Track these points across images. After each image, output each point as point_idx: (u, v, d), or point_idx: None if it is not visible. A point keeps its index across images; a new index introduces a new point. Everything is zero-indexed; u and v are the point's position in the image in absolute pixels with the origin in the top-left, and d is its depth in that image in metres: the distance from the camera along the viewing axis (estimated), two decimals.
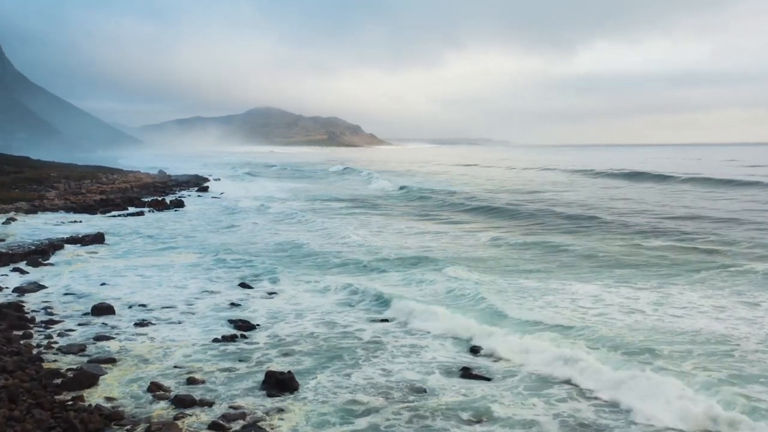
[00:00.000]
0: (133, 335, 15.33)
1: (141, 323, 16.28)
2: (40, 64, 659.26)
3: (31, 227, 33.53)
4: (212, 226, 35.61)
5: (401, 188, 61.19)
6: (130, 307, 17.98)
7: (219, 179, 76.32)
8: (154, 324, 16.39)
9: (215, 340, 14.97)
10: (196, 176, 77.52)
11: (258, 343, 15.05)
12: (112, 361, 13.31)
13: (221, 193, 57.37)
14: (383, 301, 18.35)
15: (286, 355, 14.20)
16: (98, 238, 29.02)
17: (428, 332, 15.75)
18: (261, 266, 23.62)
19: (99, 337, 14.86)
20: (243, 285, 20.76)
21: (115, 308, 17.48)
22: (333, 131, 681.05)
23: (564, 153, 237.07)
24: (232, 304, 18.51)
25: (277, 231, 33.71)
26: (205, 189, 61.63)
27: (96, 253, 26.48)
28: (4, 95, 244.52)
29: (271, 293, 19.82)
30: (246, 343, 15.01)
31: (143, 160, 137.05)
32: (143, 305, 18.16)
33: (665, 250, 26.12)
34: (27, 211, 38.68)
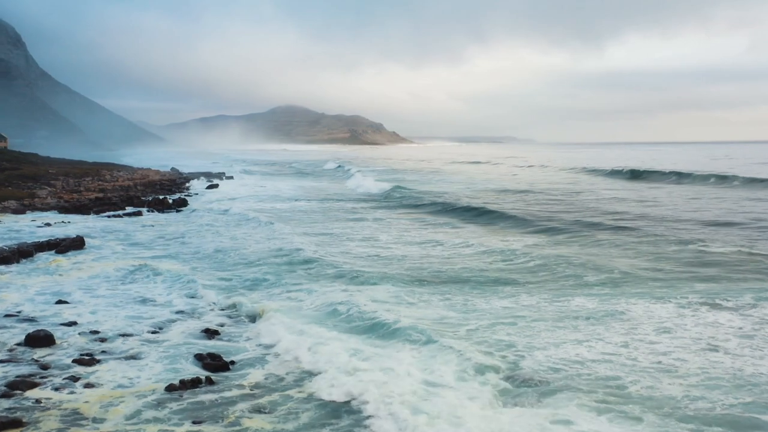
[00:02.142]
0: (65, 379, 11.70)
1: (84, 359, 12.67)
2: (63, 62, 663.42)
3: (11, 229, 30.37)
4: (206, 230, 32.09)
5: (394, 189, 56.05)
6: (80, 334, 14.43)
7: (232, 177, 73.18)
8: (102, 360, 12.78)
9: (170, 388, 11.29)
10: (209, 174, 74.45)
11: (230, 390, 11.39)
12: (15, 425, 9.65)
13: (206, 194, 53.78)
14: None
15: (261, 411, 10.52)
16: (77, 243, 25.62)
17: None
18: (249, 280, 19.99)
19: (14, 384, 11.21)
20: (227, 308, 17.12)
21: (59, 336, 13.92)
22: (355, 129, 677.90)
23: (592, 150, 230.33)
24: (208, 332, 14.86)
25: (269, 237, 30.11)
26: (215, 186, 58.51)
27: (69, 261, 23.05)
28: (27, 93, 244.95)
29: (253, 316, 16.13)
30: (212, 391, 11.34)
31: (160, 157, 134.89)
32: (95, 332, 14.57)
33: (735, 257, 21.98)
34: (15, 211, 35.59)
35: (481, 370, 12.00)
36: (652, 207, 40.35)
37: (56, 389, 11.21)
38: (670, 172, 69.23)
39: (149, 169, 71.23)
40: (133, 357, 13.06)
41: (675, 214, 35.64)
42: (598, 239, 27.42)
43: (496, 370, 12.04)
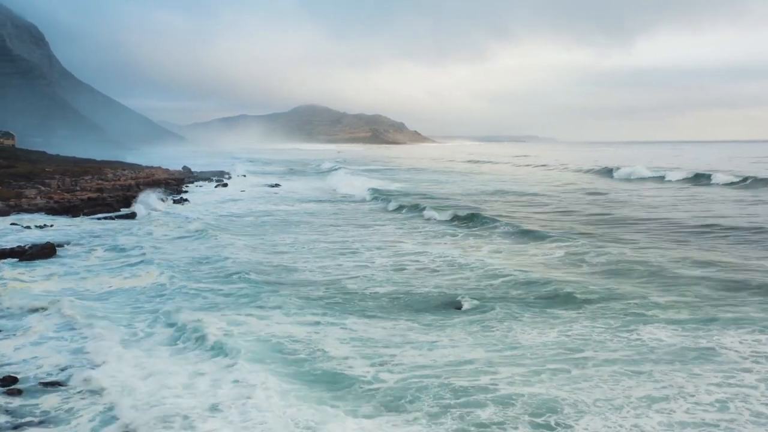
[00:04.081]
0: None
1: None
2: (86, 61, 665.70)
3: None
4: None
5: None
6: None
7: (245, 175, 69.98)
8: None
9: None
10: (221, 172, 71.33)
11: None
12: None
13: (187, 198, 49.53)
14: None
15: None
16: (46, 252, 22.23)
17: None
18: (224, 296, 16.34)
19: None
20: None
21: None
22: (377, 129, 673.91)
23: (620, 149, 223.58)
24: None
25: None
26: (225, 185, 55.24)
27: (28, 273, 19.61)
28: (48, 92, 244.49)
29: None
30: None
31: (176, 156, 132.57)
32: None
33: None
34: None
35: None
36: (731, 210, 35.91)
37: None
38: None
39: (158, 168, 68.20)
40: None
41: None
42: (660, 246, 23.33)
43: None
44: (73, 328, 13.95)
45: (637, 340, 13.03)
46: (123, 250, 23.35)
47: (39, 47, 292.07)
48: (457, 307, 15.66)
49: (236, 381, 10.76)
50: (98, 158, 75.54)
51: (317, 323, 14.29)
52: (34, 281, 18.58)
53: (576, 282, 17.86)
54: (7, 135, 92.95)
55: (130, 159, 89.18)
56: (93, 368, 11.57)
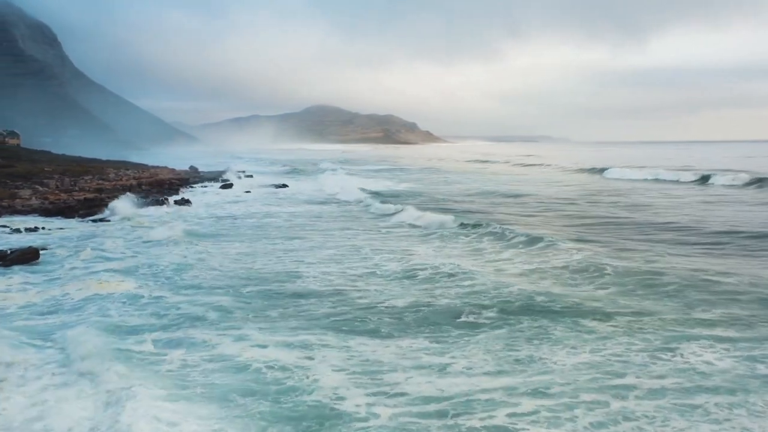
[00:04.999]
0: None
1: None
2: (98, 61, 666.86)
3: None
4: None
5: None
6: None
7: (251, 176, 68.45)
8: None
9: None
10: (228, 172, 69.95)
11: None
12: None
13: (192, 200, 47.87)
14: None
15: None
16: (28, 256, 20.64)
17: None
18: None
19: None
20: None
21: None
22: (389, 129, 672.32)
23: (635, 149, 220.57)
24: None
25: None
26: (230, 186, 53.70)
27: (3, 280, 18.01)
28: (59, 92, 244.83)
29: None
30: None
31: (184, 156, 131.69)
32: None
33: None
34: None
35: None
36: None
37: None
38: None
39: (164, 168, 66.85)
40: None
41: None
42: (689, 253, 21.38)
43: None
44: None
45: (684, 363, 11.19)
46: (108, 258, 21.51)
47: (52, 47, 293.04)
48: (476, 320, 13.86)
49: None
50: (104, 158, 74.39)
51: (311, 345, 12.42)
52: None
53: (603, 293, 16.03)
54: (13, 134, 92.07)
55: (140, 159, 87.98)
56: None
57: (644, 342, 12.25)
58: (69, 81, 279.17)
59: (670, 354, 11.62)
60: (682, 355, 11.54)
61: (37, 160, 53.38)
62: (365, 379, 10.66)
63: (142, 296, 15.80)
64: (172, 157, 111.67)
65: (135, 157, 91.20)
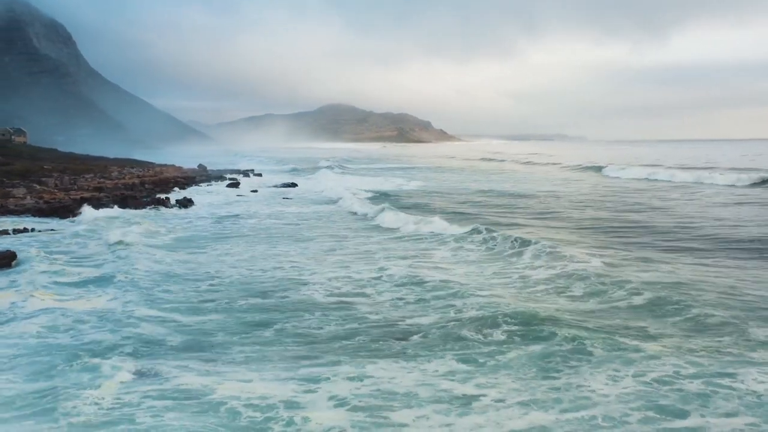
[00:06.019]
0: None
1: None
2: (113, 60, 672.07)
3: None
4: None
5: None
6: None
7: (260, 174, 66.77)
8: None
9: None
10: (236, 170, 68.36)
11: None
12: None
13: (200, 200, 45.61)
14: None
15: None
16: (4, 261, 18.90)
17: None
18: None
19: None
20: None
21: None
22: (403, 127, 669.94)
23: (654, 148, 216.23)
24: None
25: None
26: (236, 185, 52.00)
27: None
28: (73, 91, 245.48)
29: None
30: None
31: (196, 155, 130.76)
32: None
33: None
34: None
35: None
36: None
37: None
38: None
39: (170, 166, 65.29)
40: None
41: None
42: (722, 262, 19.19)
43: None
44: None
45: (749, 393, 9.17)
46: (81, 264, 19.60)
47: (66, 46, 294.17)
48: (505, 337, 11.87)
49: None
50: (112, 156, 73.11)
51: (305, 378, 10.33)
52: None
53: (637, 307, 13.97)
54: (19, 132, 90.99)
55: (151, 158, 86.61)
56: None
57: (696, 367, 10.21)
58: (83, 80, 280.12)
59: (729, 380, 9.61)
60: (744, 382, 9.55)
61: (39, 158, 51.97)
62: (369, 418, 8.66)
63: (109, 310, 13.88)
64: (184, 156, 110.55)
65: (146, 156, 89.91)
